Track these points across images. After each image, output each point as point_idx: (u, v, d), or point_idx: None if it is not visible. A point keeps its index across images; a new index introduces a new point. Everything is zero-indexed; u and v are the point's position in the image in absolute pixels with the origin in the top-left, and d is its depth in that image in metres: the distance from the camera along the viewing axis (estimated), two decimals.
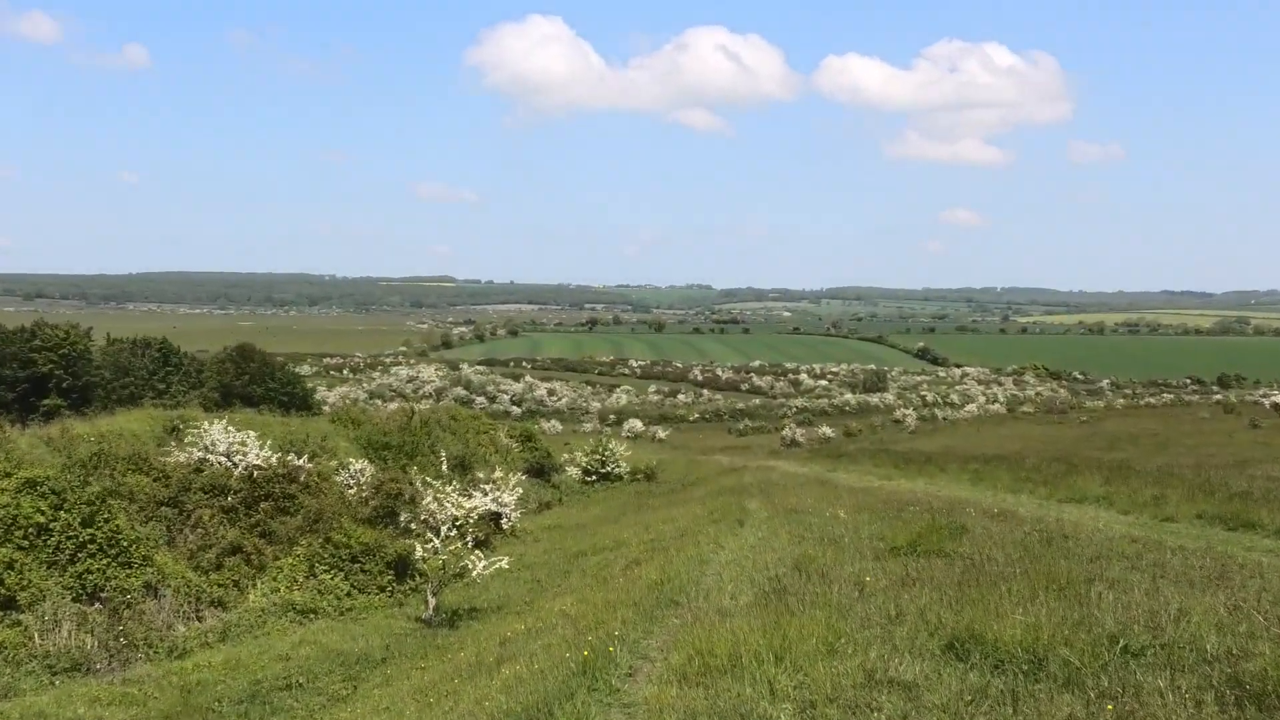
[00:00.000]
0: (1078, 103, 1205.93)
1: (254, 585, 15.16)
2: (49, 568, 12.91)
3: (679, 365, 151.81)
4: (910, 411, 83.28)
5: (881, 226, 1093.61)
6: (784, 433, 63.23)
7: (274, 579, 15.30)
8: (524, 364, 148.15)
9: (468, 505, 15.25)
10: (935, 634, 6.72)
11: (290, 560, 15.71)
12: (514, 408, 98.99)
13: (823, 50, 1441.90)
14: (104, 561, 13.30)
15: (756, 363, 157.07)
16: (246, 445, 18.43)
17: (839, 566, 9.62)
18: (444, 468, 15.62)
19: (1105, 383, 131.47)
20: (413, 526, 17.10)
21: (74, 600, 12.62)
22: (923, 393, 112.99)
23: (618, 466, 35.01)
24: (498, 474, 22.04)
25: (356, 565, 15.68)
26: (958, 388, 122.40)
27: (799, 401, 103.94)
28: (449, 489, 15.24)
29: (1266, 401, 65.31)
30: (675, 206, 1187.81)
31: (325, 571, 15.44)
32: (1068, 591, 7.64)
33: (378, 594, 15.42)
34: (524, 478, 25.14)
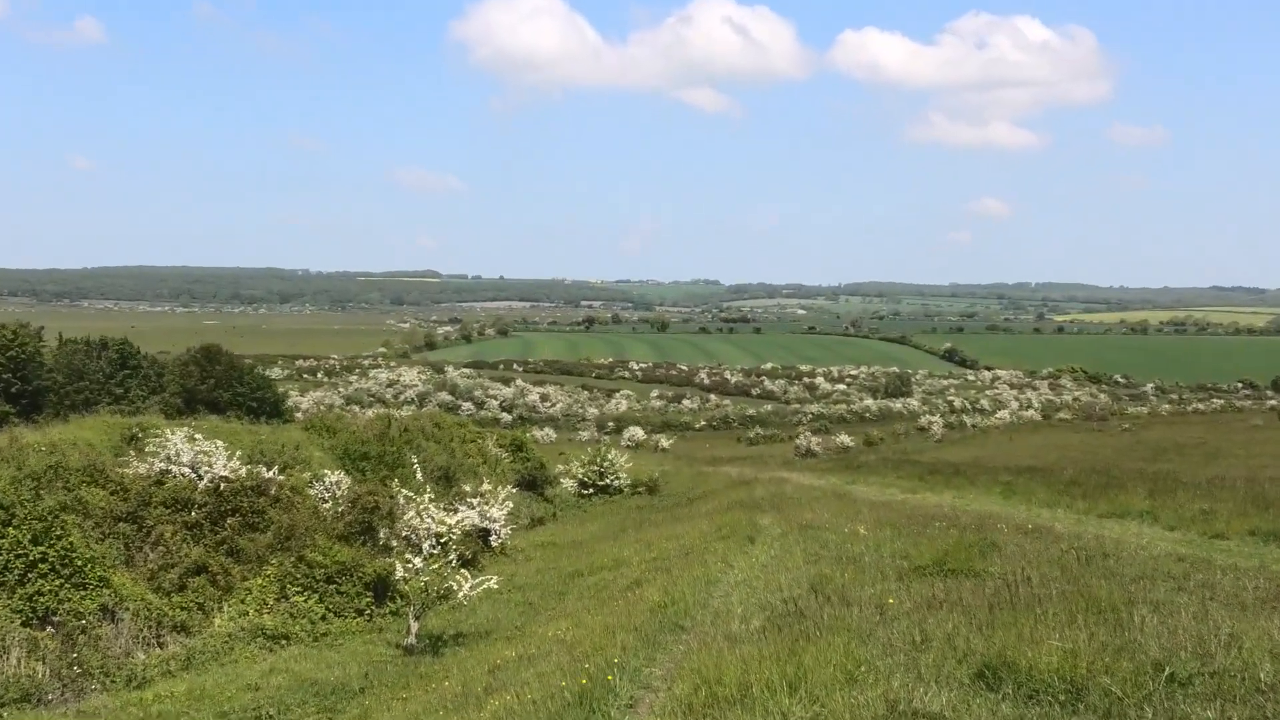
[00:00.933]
0: (1118, 81, 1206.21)
1: (220, 608, 15.17)
2: None
3: (684, 368, 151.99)
4: (936, 418, 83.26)
5: (904, 217, 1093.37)
6: (798, 441, 63.21)
7: (242, 601, 15.31)
8: (515, 366, 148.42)
9: (452, 520, 15.27)
10: (964, 661, 6.72)
11: (260, 581, 15.72)
12: (504, 414, 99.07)
13: (838, 24, 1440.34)
14: (56, 582, 13.31)
15: (768, 365, 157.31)
16: (212, 455, 18.44)
17: (859, 587, 9.64)
18: (418, 475, 15.60)
19: (1149, 387, 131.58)
20: (393, 544, 17.12)
21: (23, 625, 12.63)
22: (950, 398, 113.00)
23: (617, 478, 35.01)
24: (486, 486, 22.07)
25: (332, 586, 15.69)
26: (988, 392, 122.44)
27: (815, 407, 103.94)
28: (426, 499, 15.25)
29: None
30: (679, 194, 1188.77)
31: (298, 593, 15.45)
32: (1108, 615, 7.64)
33: (355, 617, 15.43)
34: (514, 491, 25.14)
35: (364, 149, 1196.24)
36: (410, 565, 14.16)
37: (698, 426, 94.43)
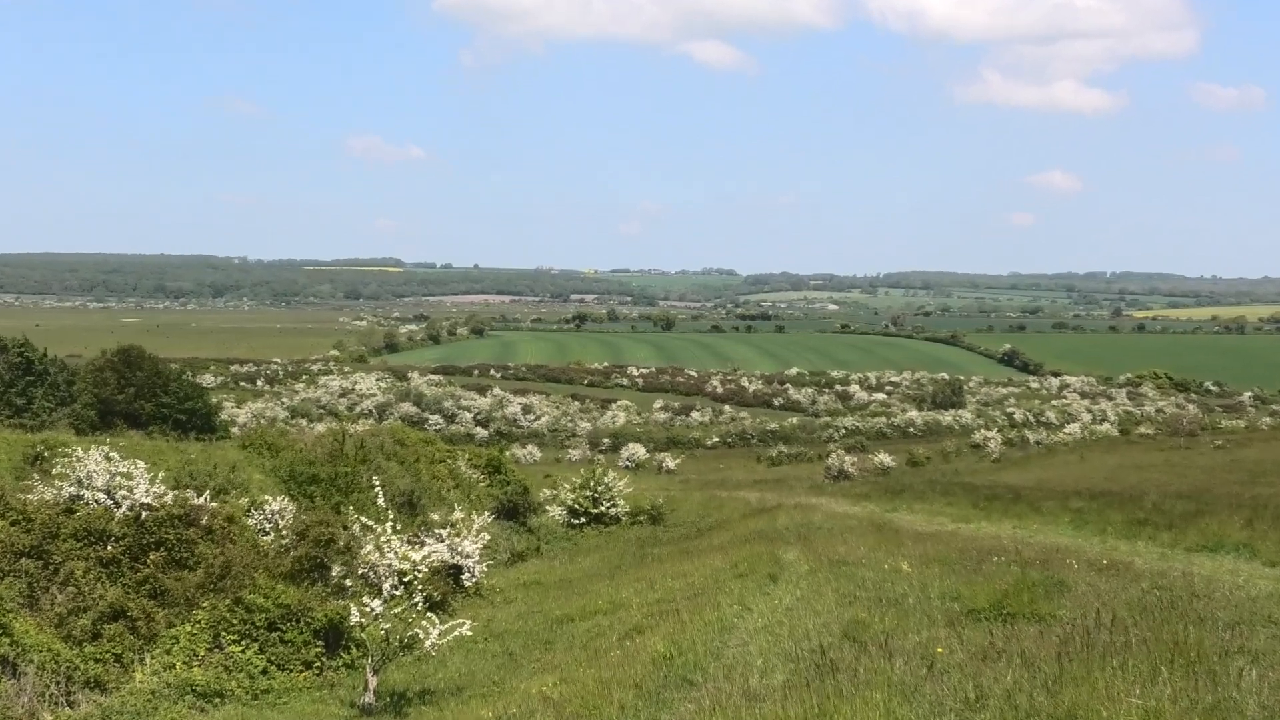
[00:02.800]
0: (1205, 32, 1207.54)
1: (141, 660, 15.17)
2: None
3: (693, 374, 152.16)
4: (993, 434, 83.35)
5: (954, 194, 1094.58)
6: (829, 461, 63.29)
7: (167, 651, 15.31)
8: (492, 372, 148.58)
9: (419, 555, 15.27)
10: None
11: (189, 628, 15.72)
12: (479, 429, 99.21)
13: None
14: None
15: (794, 370, 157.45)
16: (132, 479, 18.44)
17: (901, 635, 9.65)
18: (379, 501, 15.63)
19: (1246, 396, 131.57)
20: (347, 583, 17.12)
21: None
22: (1009, 409, 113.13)
23: (614, 505, 35.04)
24: (458, 515, 22.11)
25: (275, 634, 15.69)
26: (1055, 402, 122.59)
27: (849, 421, 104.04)
28: (388, 529, 15.25)
29: None
30: (686, 168, 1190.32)
31: (234, 642, 15.45)
32: (1198, 667, 7.64)
33: (302, 671, 15.43)
34: (492, 520, 25.17)
35: (310, 114, 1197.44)
36: (368, 609, 14.17)
37: (710, 443, 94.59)
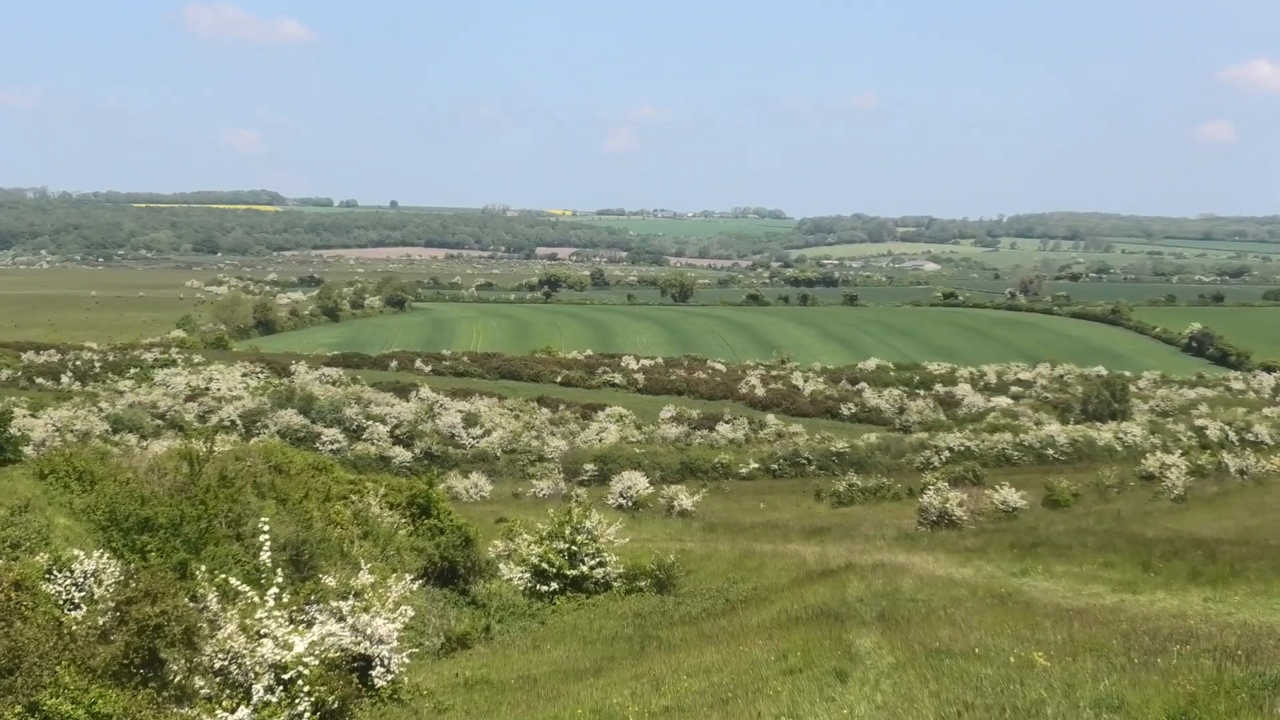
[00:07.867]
0: None
1: None
2: None
3: (719, 367, 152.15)
4: (1175, 459, 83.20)
5: (1111, 98, 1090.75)
6: (926, 499, 63.25)
7: None
8: (419, 364, 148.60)
9: (303, 642, 15.27)
10: None
11: None
12: (399, 449, 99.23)
13: None
14: None
15: (872, 363, 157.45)
16: None
17: None
18: (264, 556, 15.61)
19: None
20: (198, 683, 17.12)
21: None
22: (1199, 421, 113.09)
23: (601, 564, 35.08)
24: (366, 578, 22.08)
25: None
26: (1268, 411, 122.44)
27: (955, 438, 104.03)
28: (270, 598, 15.22)
29: None
30: (704, 61, 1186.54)
31: None
32: None
33: None
34: (418, 586, 25.17)
35: None
36: None
37: (745, 471, 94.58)
